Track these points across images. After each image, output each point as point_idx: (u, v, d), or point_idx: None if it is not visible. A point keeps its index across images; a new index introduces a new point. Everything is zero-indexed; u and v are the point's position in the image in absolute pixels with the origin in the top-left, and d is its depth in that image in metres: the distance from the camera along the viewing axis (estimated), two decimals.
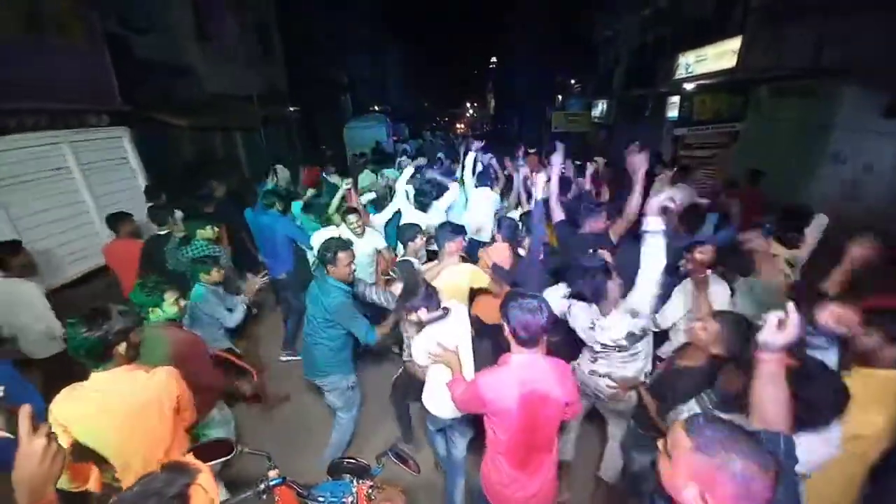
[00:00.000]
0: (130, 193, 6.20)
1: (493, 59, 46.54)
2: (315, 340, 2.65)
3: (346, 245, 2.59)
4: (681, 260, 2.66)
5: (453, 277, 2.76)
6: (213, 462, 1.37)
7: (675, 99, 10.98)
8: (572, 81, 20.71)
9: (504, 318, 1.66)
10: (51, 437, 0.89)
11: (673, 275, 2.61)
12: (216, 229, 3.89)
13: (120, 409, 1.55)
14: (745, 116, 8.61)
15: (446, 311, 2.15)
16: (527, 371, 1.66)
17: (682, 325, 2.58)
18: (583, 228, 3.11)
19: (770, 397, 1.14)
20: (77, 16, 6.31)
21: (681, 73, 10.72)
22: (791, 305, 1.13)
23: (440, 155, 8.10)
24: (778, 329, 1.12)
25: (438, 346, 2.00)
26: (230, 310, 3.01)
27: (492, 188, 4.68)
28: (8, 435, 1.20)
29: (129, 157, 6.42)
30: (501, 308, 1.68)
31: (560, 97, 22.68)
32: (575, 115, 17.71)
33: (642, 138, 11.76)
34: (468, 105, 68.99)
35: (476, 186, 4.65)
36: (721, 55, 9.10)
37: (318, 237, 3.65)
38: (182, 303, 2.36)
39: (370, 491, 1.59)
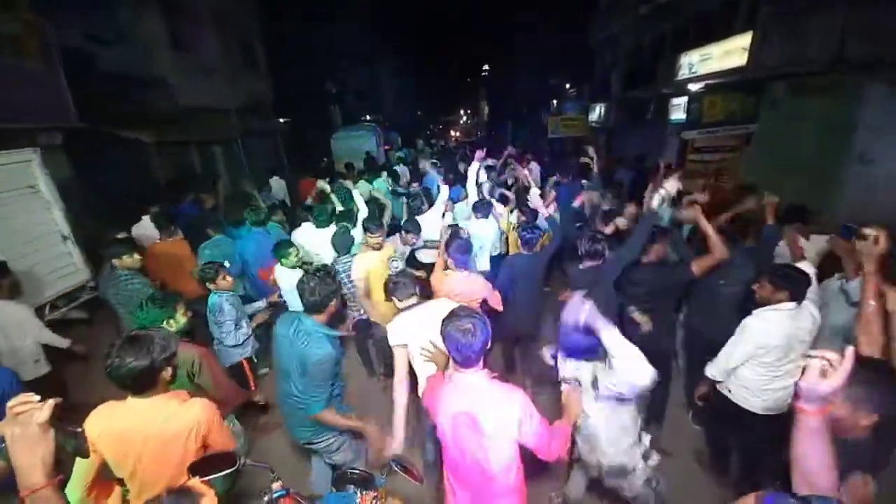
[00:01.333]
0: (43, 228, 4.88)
1: (486, 66, 46.35)
2: (301, 401, 2.06)
3: (335, 286, 2.12)
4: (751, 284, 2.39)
5: (468, 286, 2.85)
6: (215, 475, 1.37)
7: (679, 101, 10.45)
8: (567, 86, 20.28)
9: (441, 336, 1.61)
10: (27, 422, 0.90)
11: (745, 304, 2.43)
12: (139, 257, 3.37)
13: (149, 437, 1.53)
14: (758, 117, 8.04)
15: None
16: (461, 391, 1.62)
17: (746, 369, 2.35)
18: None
19: (813, 456, 1.03)
20: (30, 32, 5.72)
21: (683, 73, 10.17)
22: (850, 350, 0.99)
23: (424, 164, 7.74)
24: (822, 376, 0.99)
25: (431, 345, 2.00)
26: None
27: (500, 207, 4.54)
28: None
29: (39, 185, 4.90)
30: (441, 326, 1.62)
31: (555, 102, 22.28)
32: (571, 120, 17.23)
33: (644, 142, 11.19)
34: (462, 112, 68.91)
35: (477, 211, 4.20)
36: (728, 53, 8.55)
37: (359, 265, 3.32)
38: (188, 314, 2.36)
39: (374, 501, 1.59)
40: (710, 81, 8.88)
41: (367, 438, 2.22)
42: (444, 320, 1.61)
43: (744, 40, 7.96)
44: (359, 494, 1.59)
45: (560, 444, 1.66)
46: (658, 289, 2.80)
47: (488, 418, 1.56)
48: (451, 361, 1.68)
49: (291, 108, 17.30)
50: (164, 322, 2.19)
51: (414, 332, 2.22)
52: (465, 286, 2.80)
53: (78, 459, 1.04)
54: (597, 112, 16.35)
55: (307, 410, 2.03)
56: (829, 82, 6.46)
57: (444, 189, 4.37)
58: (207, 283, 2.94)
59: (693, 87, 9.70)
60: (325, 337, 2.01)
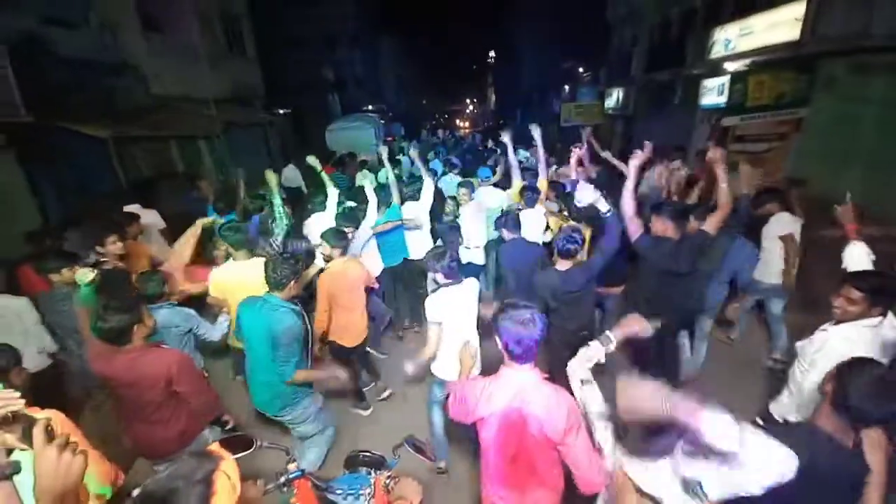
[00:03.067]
0: None
1: (493, 52, 44.85)
2: (266, 377, 2.30)
3: (297, 267, 2.31)
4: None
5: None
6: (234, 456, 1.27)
7: (714, 82, 9.29)
8: (581, 70, 18.98)
9: (496, 330, 1.56)
10: (64, 447, 0.91)
11: None
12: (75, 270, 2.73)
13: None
14: (811, 100, 6.91)
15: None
16: (514, 388, 1.54)
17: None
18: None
19: None
20: None
21: (718, 51, 9.01)
22: None
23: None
24: None
25: (464, 342, 2.07)
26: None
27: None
28: (25, 447, 1.06)
29: None
30: (493, 320, 1.58)
31: (567, 87, 20.98)
32: (586, 106, 16.07)
33: (670, 130, 10.02)
34: (468, 101, 67.44)
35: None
36: (775, 25, 7.37)
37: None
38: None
39: (387, 482, 1.58)
40: (753, 59, 7.73)
41: (326, 375, 2.41)
42: (496, 315, 1.57)
43: (796, 10, 6.80)
44: (373, 475, 1.62)
45: (603, 476, 1.43)
46: (685, 260, 2.60)
47: (538, 416, 1.50)
48: (505, 356, 1.59)
49: (287, 97, 16.37)
50: (132, 329, 1.99)
51: (450, 311, 2.36)
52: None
53: None
54: (614, 97, 15.12)
55: (282, 377, 2.23)
56: None
57: (428, 182, 4.22)
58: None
59: (731, 65, 8.56)
60: (290, 310, 2.22)
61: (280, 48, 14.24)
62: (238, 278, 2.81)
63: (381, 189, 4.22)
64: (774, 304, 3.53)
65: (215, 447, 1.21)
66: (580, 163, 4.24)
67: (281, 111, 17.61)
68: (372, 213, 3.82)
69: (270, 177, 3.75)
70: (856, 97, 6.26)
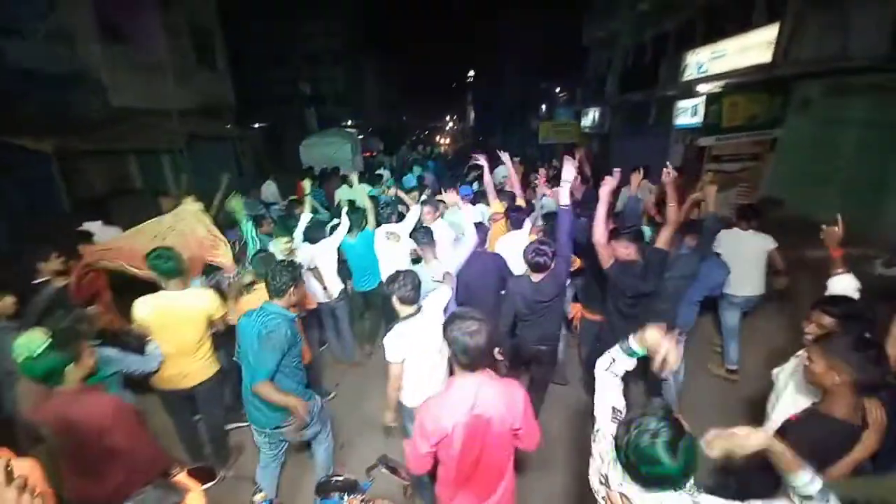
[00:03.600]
0: None
1: (473, 72, 45.63)
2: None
3: (295, 273, 2.30)
4: None
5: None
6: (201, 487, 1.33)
7: (687, 103, 9.49)
8: (557, 90, 19.34)
9: (445, 340, 1.58)
10: (22, 489, 0.90)
11: None
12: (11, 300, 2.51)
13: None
14: (784, 120, 7.03)
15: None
16: (471, 395, 1.57)
17: None
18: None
19: None
20: None
21: (690, 73, 9.23)
22: None
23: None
24: None
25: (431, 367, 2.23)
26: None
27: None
28: None
29: None
30: (443, 331, 1.59)
31: (544, 107, 21.34)
32: (563, 125, 16.27)
33: (646, 148, 10.13)
34: (448, 119, 68.23)
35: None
36: (746, 49, 7.56)
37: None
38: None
39: None
40: (726, 81, 7.88)
41: (294, 413, 2.20)
42: (446, 325, 1.59)
43: (769, 33, 6.96)
44: (345, 500, 1.60)
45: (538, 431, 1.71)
46: (650, 278, 2.62)
47: (500, 413, 1.57)
48: (456, 366, 1.63)
49: (265, 111, 15.96)
50: (65, 369, 1.74)
51: (412, 346, 2.24)
52: None
53: None
54: (590, 117, 15.38)
55: (250, 380, 2.15)
56: (882, 81, 5.45)
57: (414, 210, 3.99)
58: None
59: (703, 87, 8.75)
60: (282, 316, 2.19)
61: (259, 63, 13.87)
62: (166, 310, 2.43)
63: (354, 212, 3.99)
64: (730, 316, 3.61)
65: (182, 478, 1.20)
66: (546, 180, 4.39)
67: (257, 125, 17.21)
68: (339, 235, 3.71)
69: (236, 204, 3.43)
70: (832, 118, 6.37)
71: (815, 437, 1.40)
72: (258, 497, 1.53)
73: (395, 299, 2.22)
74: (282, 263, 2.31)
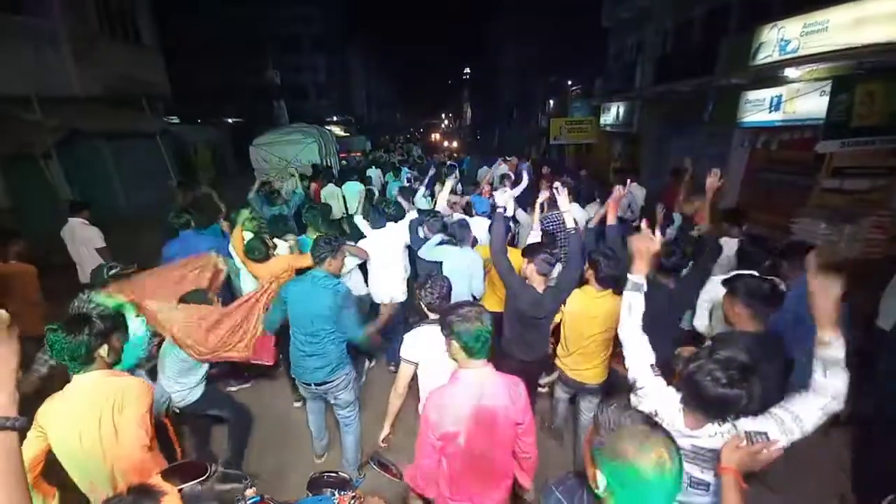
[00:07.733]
0: None
1: (470, 66, 43.42)
2: (316, 349, 2.50)
3: (335, 245, 2.55)
4: None
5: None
6: (187, 483, 1.32)
7: (761, 94, 7.24)
8: (569, 83, 16.98)
9: (448, 333, 1.58)
10: None
11: None
12: None
13: (93, 412, 1.54)
14: None
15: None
16: (476, 389, 1.58)
17: None
18: None
19: None
20: None
21: (767, 54, 6.95)
22: None
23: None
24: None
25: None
26: None
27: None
28: None
29: None
30: (442, 327, 1.61)
31: (552, 102, 18.99)
32: (578, 123, 13.97)
33: (691, 151, 7.57)
34: (443, 116, 66.15)
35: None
36: (860, 22, 5.30)
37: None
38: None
39: (352, 502, 1.55)
40: (834, 63, 5.58)
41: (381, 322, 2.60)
42: (447, 316, 1.59)
43: None
44: (336, 496, 1.57)
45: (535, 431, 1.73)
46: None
47: (505, 405, 1.57)
48: (461, 359, 1.61)
49: (226, 103, 13.49)
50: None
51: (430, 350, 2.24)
52: None
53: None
54: (612, 113, 13.05)
55: (352, 338, 2.56)
56: None
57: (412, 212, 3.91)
58: None
59: (792, 72, 6.49)
60: (335, 282, 2.48)
61: (214, 44, 11.36)
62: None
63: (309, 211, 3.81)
64: None
65: (158, 480, 1.16)
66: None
67: (229, 120, 14.70)
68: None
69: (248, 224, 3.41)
70: None
71: None
72: (249, 492, 1.44)
73: (421, 304, 2.25)
74: (327, 237, 2.57)
